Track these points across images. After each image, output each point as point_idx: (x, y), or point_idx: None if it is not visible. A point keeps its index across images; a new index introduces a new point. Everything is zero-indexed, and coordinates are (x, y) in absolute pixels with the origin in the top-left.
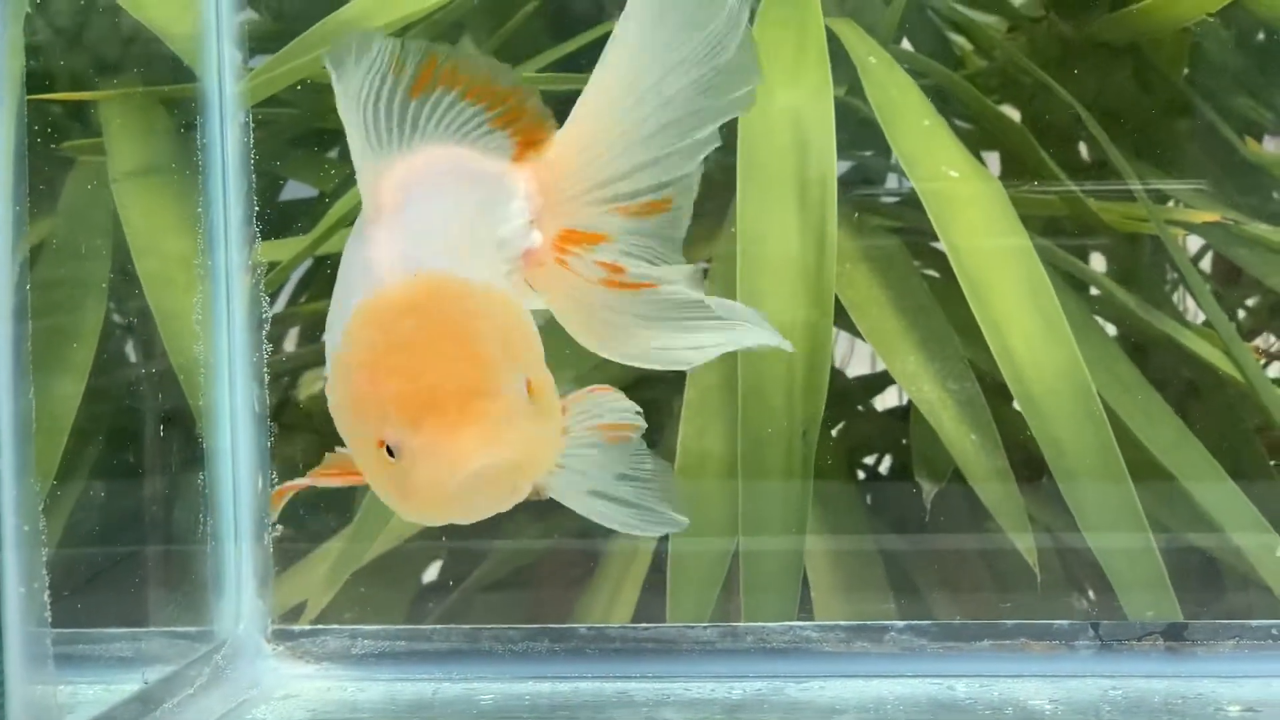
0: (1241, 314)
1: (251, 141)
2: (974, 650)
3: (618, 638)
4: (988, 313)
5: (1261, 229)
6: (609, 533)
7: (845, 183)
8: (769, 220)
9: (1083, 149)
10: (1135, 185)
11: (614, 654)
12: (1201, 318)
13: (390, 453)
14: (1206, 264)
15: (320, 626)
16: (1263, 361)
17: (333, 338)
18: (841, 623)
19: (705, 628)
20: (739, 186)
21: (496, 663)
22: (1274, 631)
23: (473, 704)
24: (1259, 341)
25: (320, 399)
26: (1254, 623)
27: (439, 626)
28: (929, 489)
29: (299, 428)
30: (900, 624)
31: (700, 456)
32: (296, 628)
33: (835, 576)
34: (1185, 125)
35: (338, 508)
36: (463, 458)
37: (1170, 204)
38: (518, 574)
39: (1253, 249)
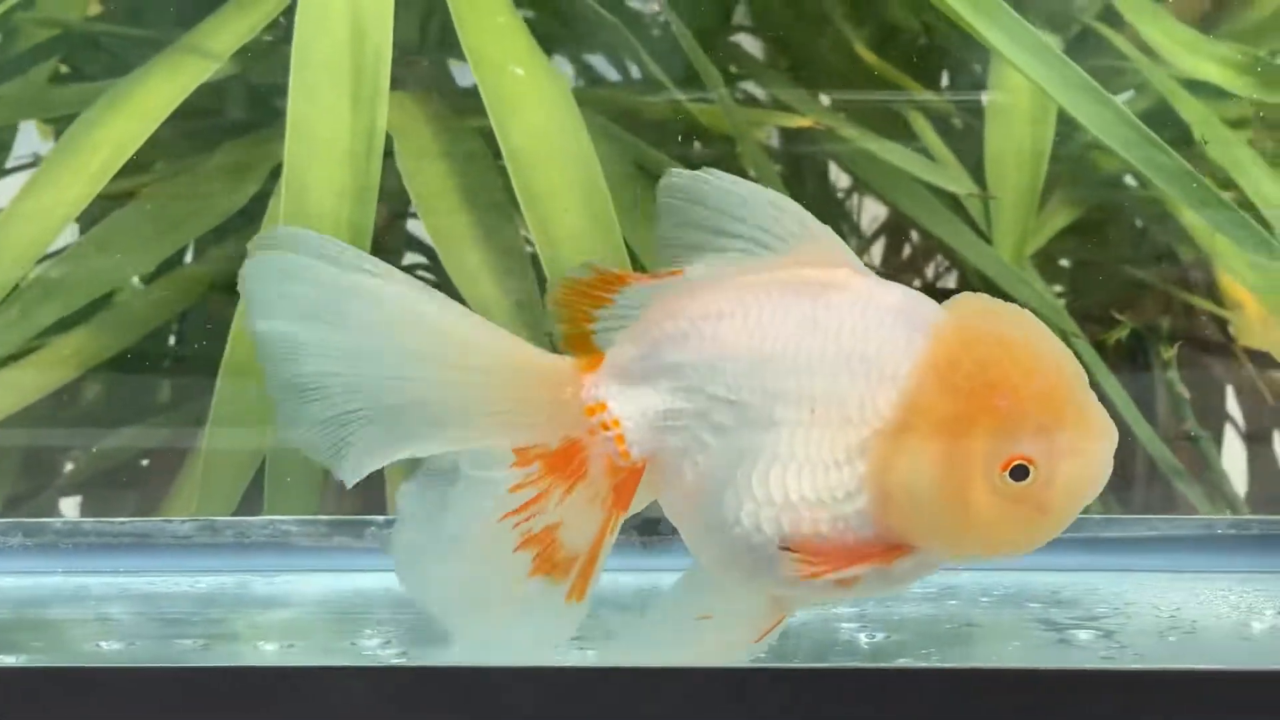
0: None
1: None
2: None
3: (93, 532)
4: (536, 209)
5: (870, 142)
6: None
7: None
8: (319, 112)
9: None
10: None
11: (89, 549)
12: None
13: (1016, 475)
14: None
15: None
16: None
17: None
18: (322, 518)
19: (183, 522)
20: (291, 78)
21: None
22: None
23: None
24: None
25: None
26: None
27: None
28: None
29: None
30: (380, 519)
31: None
32: None
33: None
34: (819, 38)
35: None
36: (1107, 439)
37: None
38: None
39: (870, 164)
